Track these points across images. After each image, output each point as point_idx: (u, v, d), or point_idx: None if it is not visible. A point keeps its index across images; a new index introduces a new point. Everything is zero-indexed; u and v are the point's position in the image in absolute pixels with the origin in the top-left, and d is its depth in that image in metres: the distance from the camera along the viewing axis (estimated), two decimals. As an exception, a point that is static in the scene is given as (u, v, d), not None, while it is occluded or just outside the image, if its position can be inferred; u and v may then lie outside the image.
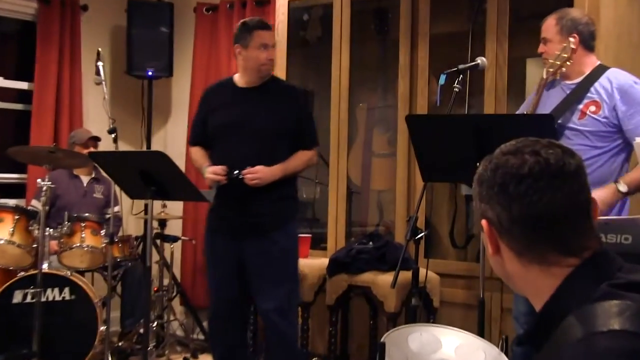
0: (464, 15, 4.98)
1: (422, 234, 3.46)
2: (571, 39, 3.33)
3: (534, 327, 1.42)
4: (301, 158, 4.08)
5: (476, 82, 4.49)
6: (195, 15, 6.41)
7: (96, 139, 5.61)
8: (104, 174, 5.24)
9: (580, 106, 3.44)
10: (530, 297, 1.46)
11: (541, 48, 3.56)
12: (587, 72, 3.49)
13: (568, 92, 3.53)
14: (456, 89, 3.49)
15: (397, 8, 4.78)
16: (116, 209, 5.34)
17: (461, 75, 3.55)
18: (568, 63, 3.34)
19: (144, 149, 6.44)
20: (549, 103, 3.49)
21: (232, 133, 4.03)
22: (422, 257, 4.25)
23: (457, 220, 4.92)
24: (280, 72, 5.12)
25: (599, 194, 3.20)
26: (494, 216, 1.43)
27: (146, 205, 4.59)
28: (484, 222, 1.46)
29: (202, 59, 6.32)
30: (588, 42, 3.52)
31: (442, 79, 3.54)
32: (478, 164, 3.28)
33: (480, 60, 3.67)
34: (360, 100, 5.32)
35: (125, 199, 4.81)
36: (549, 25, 3.55)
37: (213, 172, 3.94)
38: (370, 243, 4.56)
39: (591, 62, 3.51)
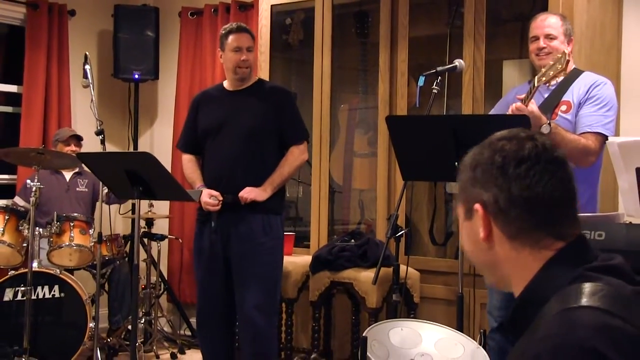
0: (442, 19, 4.98)
1: (403, 231, 3.46)
2: (568, 49, 3.27)
3: (515, 312, 1.41)
4: (288, 162, 4.07)
5: (454, 84, 4.49)
6: (180, 19, 6.38)
7: (78, 138, 5.56)
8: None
9: (556, 109, 3.45)
10: (514, 283, 1.44)
11: (545, 42, 3.50)
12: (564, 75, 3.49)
13: (546, 95, 3.53)
14: (435, 91, 3.49)
15: (377, 12, 4.78)
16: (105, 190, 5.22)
17: (439, 77, 3.55)
18: (562, 75, 3.29)
19: (131, 150, 6.41)
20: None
21: (217, 134, 4.07)
22: (403, 254, 4.25)
23: (437, 218, 4.93)
24: (263, 74, 5.10)
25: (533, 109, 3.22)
26: (490, 198, 1.41)
27: (133, 205, 4.57)
28: (478, 206, 1.42)
29: (187, 62, 6.29)
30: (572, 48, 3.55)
31: (421, 80, 3.53)
32: (457, 163, 3.28)
33: (458, 62, 3.67)
34: (341, 101, 5.31)
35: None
36: (555, 24, 3.51)
37: (208, 199, 3.98)
38: (352, 241, 4.56)
39: (569, 65, 3.51)
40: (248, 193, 3.95)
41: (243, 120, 4.03)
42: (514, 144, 1.40)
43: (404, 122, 3.62)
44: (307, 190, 5.22)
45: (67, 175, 5.59)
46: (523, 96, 3.28)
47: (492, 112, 3.90)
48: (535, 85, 3.24)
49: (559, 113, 3.45)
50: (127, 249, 5.77)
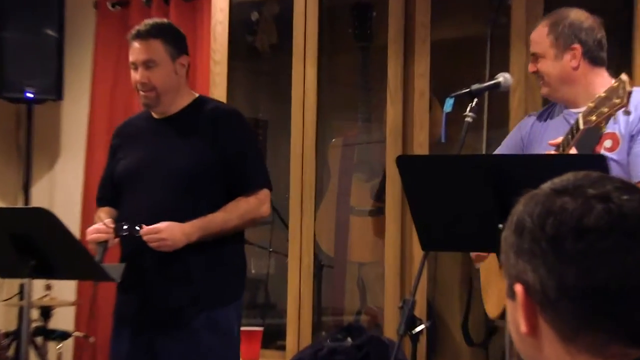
0: (480, 15, 5.03)
1: (423, 326, 3.46)
2: (624, 77, 3.23)
3: None
4: (237, 208, 4.01)
5: (498, 108, 4.53)
6: (96, 12, 6.41)
7: None
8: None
9: (597, 147, 3.46)
10: None
11: (531, 67, 3.59)
12: (599, 94, 3.49)
13: (573, 122, 3.53)
14: (469, 119, 3.51)
15: (385, 5, 4.82)
16: None
17: (476, 99, 3.57)
18: (621, 112, 3.27)
19: (20, 204, 6.40)
20: (546, 137, 3.47)
21: (139, 180, 4.05)
22: (424, 359, 4.25)
23: (474, 305, 4.93)
24: (219, 94, 5.12)
25: None
26: (535, 281, 1.37)
27: (22, 287, 4.55)
28: (518, 287, 1.40)
29: (106, 75, 6.31)
30: (594, 54, 3.52)
31: (449, 104, 3.55)
32: (500, 225, 3.31)
33: (502, 77, 3.69)
34: (332, 133, 5.35)
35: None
36: (540, 36, 3.56)
37: (94, 231, 3.92)
38: (349, 339, 4.56)
39: (602, 80, 3.50)
40: (159, 236, 3.84)
41: (168, 161, 4.02)
42: (579, 204, 1.36)
43: (423, 165, 3.64)
44: (282, 263, 5.22)
45: None
46: (559, 140, 3.28)
47: (497, 151, 3.90)
48: (581, 127, 3.20)
49: (602, 151, 3.45)
50: (12, 352, 5.73)
